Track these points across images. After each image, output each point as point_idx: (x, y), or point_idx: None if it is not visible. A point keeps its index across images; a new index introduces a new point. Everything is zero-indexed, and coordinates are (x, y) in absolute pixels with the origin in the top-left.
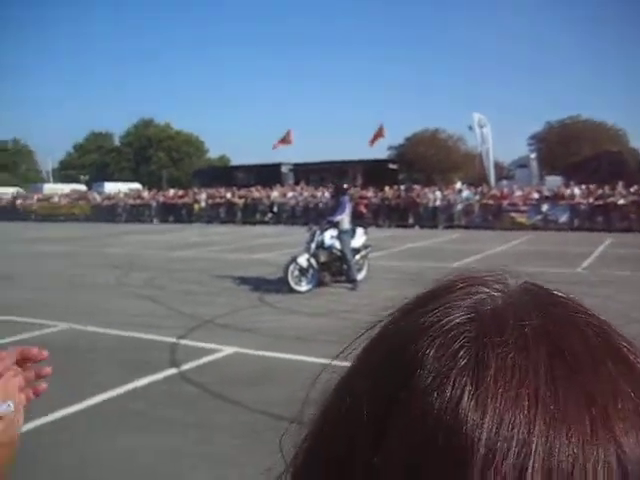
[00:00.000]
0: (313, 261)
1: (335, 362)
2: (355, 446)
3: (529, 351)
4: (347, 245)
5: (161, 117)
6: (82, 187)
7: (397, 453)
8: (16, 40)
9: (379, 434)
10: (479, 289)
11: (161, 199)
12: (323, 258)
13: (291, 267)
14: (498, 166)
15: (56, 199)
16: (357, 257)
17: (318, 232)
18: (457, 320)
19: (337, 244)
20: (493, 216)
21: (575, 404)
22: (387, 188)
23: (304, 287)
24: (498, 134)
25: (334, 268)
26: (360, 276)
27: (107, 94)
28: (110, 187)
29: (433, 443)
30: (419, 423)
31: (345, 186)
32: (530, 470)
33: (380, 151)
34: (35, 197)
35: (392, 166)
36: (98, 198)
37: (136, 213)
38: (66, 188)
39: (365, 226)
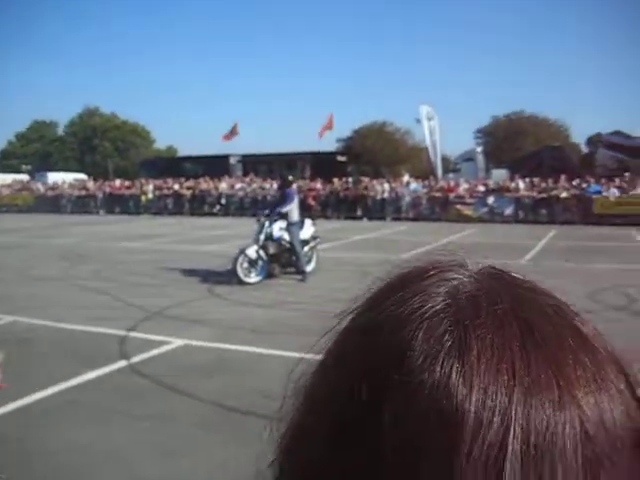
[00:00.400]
0: (262, 253)
1: (304, 355)
2: (348, 423)
3: (504, 330)
4: (296, 237)
5: (107, 107)
6: (24, 177)
7: (393, 428)
8: None
9: (373, 411)
10: (450, 275)
11: (107, 190)
12: (272, 250)
13: (240, 259)
14: (445, 159)
15: None
16: (306, 249)
17: (267, 224)
18: (437, 307)
19: (286, 236)
20: (440, 208)
21: (545, 374)
22: (336, 180)
23: (253, 279)
24: (445, 128)
25: (283, 260)
26: (309, 267)
27: (52, 82)
28: (54, 177)
29: (427, 416)
30: (413, 399)
31: (290, 178)
32: (512, 434)
33: (329, 143)
34: None
35: (340, 158)
36: (42, 189)
37: (81, 204)
38: (7, 178)
39: (313, 218)
